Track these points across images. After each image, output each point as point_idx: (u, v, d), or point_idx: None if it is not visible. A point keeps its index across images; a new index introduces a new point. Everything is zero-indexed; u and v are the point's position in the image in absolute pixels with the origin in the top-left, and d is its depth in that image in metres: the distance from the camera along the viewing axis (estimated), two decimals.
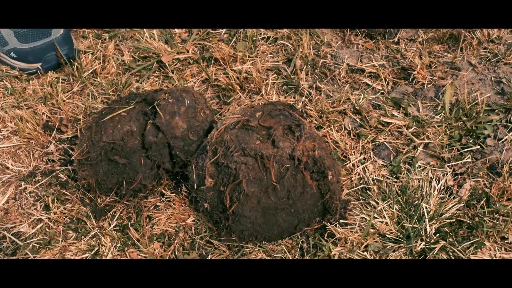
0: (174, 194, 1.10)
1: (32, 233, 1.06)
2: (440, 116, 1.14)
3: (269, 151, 0.97)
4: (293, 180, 0.97)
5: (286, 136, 0.99)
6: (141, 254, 1.02)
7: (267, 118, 1.02)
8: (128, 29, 1.44)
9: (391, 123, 1.15)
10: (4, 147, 1.21)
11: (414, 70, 1.22)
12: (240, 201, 0.97)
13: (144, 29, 1.42)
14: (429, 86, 1.21)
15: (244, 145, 0.97)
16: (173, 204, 1.09)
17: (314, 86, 1.25)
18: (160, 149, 1.05)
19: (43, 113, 1.26)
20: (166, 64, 1.33)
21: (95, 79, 1.33)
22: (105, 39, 1.44)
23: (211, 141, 1.00)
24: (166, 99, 1.05)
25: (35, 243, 1.04)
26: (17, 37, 1.33)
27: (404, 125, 1.14)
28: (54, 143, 1.21)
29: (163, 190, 1.11)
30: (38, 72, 1.34)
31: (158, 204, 1.10)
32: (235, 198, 0.97)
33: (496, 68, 1.21)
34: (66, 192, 1.11)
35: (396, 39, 1.32)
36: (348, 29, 1.37)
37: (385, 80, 1.24)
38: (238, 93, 1.26)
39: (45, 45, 1.32)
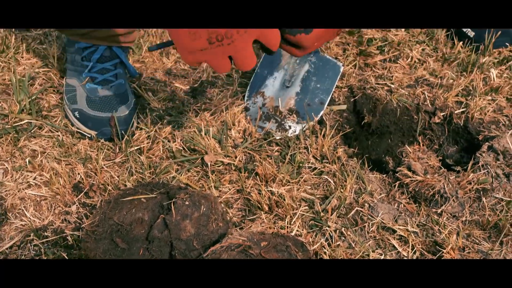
0: None
1: None
2: None
3: None
4: None
5: None
6: None
7: (271, 250, 1.03)
8: (189, 119, 1.53)
9: None
10: (31, 194, 1.29)
11: (445, 249, 1.20)
12: None
13: (202, 125, 1.50)
14: None
15: None
16: None
17: (339, 231, 1.25)
18: (161, 246, 1.08)
19: (79, 174, 1.34)
20: (208, 163, 1.39)
21: (140, 156, 1.41)
22: (165, 121, 1.53)
23: (209, 254, 1.02)
24: (183, 199, 1.10)
25: None
26: (87, 101, 1.45)
27: None
28: (77, 205, 1.28)
29: None
30: (91, 137, 1.44)
31: None
32: None
33: None
34: (65, 257, 1.16)
35: (439, 210, 1.31)
36: (396, 185, 1.38)
37: (412, 248, 1.23)
38: (264, 213, 1.29)
39: (107, 118, 1.42)
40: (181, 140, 1.47)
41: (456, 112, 1.59)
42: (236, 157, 1.43)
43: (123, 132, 1.43)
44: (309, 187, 1.37)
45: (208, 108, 1.58)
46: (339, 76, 1.61)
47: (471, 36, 1.81)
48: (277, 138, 1.49)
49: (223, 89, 1.66)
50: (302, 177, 1.39)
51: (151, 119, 1.52)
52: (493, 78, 1.67)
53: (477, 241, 1.25)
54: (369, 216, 1.30)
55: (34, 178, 1.32)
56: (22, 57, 1.67)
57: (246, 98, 1.61)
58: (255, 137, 1.49)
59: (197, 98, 1.62)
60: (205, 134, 1.47)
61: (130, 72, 1.56)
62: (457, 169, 1.41)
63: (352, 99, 1.67)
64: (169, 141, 1.46)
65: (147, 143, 1.44)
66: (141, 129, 1.49)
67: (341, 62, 1.71)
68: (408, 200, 1.36)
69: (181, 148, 1.45)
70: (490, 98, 1.62)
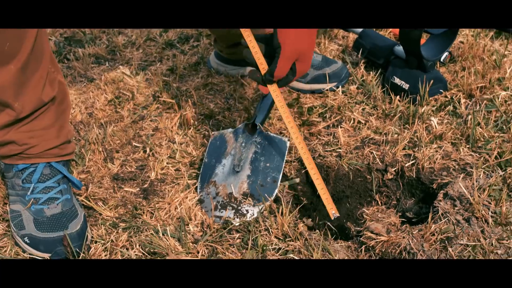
0: None
1: None
2: None
3: None
4: None
5: None
6: None
7: None
8: (144, 222, 1.52)
9: None
10: None
11: None
12: None
13: (159, 225, 1.49)
14: None
15: None
16: None
17: None
18: None
19: None
20: None
21: None
22: (120, 229, 1.52)
23: None
24: None
25: None
26: (35, 224, 1.43)
27: None
28: None
29: None
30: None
31: None
32: None
33: None
34: None
35: None
36: (363, 250, 1.40)
37: None
38: None
39: (59, 238, 1.41)
40: (139, 245, 1.46)
41: (406, 165, 1.64)
42: (198, 252, 1.43)
43: (77, 249, 1.41)
44: None
45: (162, 207, 1.59)
46: (287, 151, 1.64)
47: (406, 88, 1.89)
48: (236, 224, 1.50)
49: (174, 185, 1.67)
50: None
51: (105, 230, 1.51)
52: (435, 126, 1.74)
53: None
54: None
55: None
56: None
57: (198, 190, 1.62)
58: (214, 228, 1.50)
59: (149, 199, 1.63)
60: (163, 234, 1.47)
61: (74, 185, 1.56)
62: (415, 220, 1.44)
63: (303, 171, 1.70)
64: (127, 249, 1.45)
65: (105, 255, 1.42)
66: (96, 242, 1.47)
67: (286, 136, 1.76)
68: None
69: (140, 254, 1.44)
70: (436, 146, 1.68)
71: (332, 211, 1.48)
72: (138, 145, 1.85)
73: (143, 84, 2.18)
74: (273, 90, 1.50)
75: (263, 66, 1.47)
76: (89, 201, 1.60)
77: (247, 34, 1.45)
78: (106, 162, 1.78)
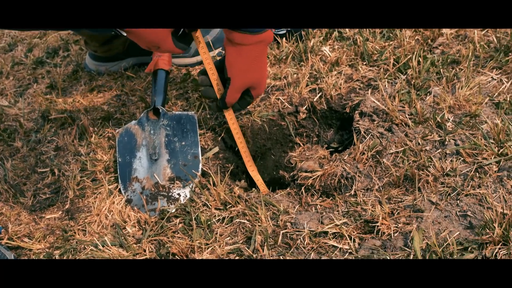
0: None
1: None
2: None
3: None
4: None
5: None
6: None
7: None
8: (79, 241, 1.45)
9: None
10: None
11: (377, 222, 1.24)
12: None
13: (95, 239, 1.43)
14: (396, 235, 1.22)
15: None
16: None
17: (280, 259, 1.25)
18: None
19: None
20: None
21: None
22: (57, 257, 1.44)
23: None
24: None
25: None
26: None
27: None
28: None
29: None
30: None
31: None
32: None
33: (458, 201, 1.24)
34: None
35: (352, 192, 1.35)
36: (303, 191, 1.41)
37: (351, 238, 1.25)
38: None
39: None
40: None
41: (315, 99, 1.66)
42: (145, 251, 1.38)
43: None
44: (229, 237, 1.35)
45: (92, 221, 1.52)
46: (197, 125, 1.61)
47: (288, 29, 1.90)
48: (173, 211, 1.47)
49: (96, 195, 1.60)
50: (217, 233, 1.37)
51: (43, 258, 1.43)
52: (329, 54, 1.77)
53: (399, 199, 1.30)
54: (297, 233, 1.31)
55: None
56: None
57: (122, 191, 1.56)
58: (152, 222, 1.45)
59: (75, 218, 1.55)
60: (103, 246, 1.41)
61: None
62: (341, 148, 1.47)
63: (219, 138, 1.69)
64: None
65: None
66: None
67: (192, 111, 1.73)
68: (321, 198, 1.39)
69: None
70: (336, 72, 1.71)
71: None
72: (44, 170, 1.75)
73: (27, 110, 2.06)
74: (229, 114, 1.54)
75: (220, 92, 1.49)
76: (13, 241, 1.51)
77: (208, 62, 1.46)
78: (16, 197, 1.68)
